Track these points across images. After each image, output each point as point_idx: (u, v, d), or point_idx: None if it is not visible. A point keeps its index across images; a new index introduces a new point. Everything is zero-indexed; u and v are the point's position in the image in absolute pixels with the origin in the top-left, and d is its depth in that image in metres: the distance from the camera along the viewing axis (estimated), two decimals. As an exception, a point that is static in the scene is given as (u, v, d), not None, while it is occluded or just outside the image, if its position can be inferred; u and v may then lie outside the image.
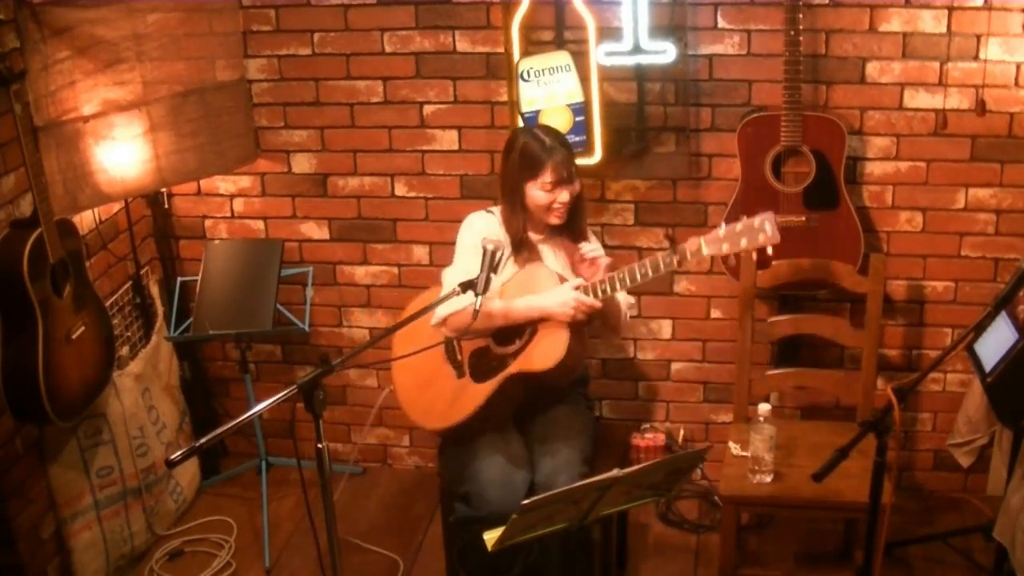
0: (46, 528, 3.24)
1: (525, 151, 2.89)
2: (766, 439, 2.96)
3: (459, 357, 2.95)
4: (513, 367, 2.84)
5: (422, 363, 2.94)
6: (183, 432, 3.83)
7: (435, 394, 2.96)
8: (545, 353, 2.80)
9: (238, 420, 2.17)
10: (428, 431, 3.02)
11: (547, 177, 2.86)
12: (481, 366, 2.91)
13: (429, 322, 2.89)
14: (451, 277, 2.88)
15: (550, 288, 2.83)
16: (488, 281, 2.57)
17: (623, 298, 3.01)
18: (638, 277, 2.79)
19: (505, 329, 2.89)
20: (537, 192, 2.89)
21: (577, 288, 2.81)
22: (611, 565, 3.13)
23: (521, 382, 2.87)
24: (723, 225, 2.73)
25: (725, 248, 2.72)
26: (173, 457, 2.13)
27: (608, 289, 2.81)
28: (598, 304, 2.80)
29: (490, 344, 2.92)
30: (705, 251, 2.73)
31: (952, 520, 3.56)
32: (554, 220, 2.94)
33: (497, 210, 3.02)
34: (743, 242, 2.70)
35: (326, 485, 2.29)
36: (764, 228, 2.67)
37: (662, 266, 2.76)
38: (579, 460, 2.90)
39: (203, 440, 2.14)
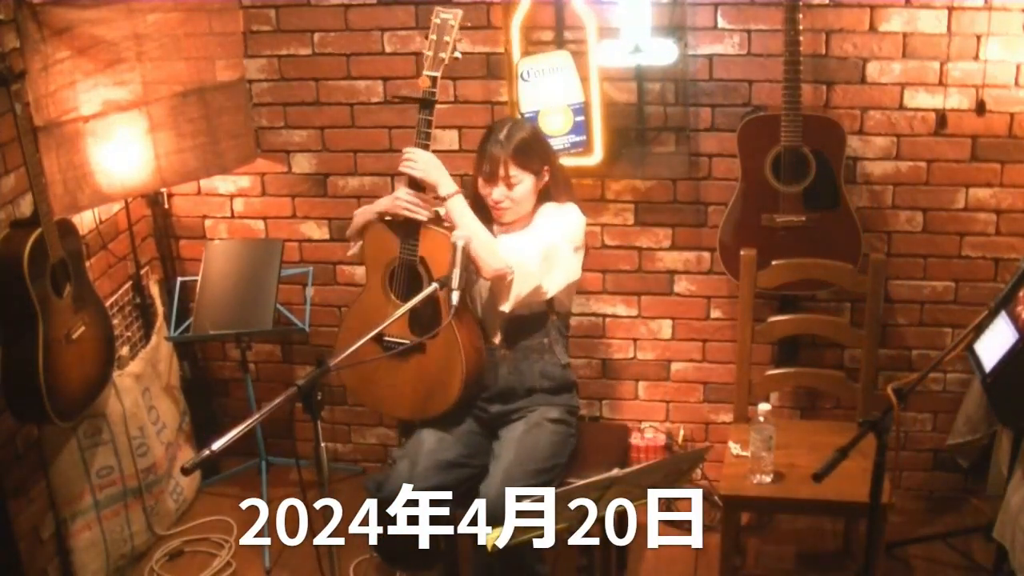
0: (46, 528, 3.24)
1: (483, 136, 2.95)
2: (766, 439, 2.96)
3: (405, 341, 2.89)
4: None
5: (385, 373, 2.95)
6: (183, 432, 3.83)
7: (424, 383, 2.94)
8: (439, 253, 2.82)
9: (247, 423, 2.14)
10: (447, 410, 2.96)
11: (482, 167, 2.90)
12: (425, 322, 2.89)
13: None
14: None
15: None
16: (461, 276, 2.60)
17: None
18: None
19: (404, 283, 2.92)
20: (479, 181, 2.93)
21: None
22: (611, 565, 3.13)
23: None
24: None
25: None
26: (186, 465, 2.09)
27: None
28: (424, 203, 2.86)
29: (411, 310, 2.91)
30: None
31: (952, 520, 3.55)
32: (497, 218, 2.95)
33: None
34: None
35: (325, 485, 2.29)
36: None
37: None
38: (528, 472, 2.81)
39: (216, 446, 2.09)
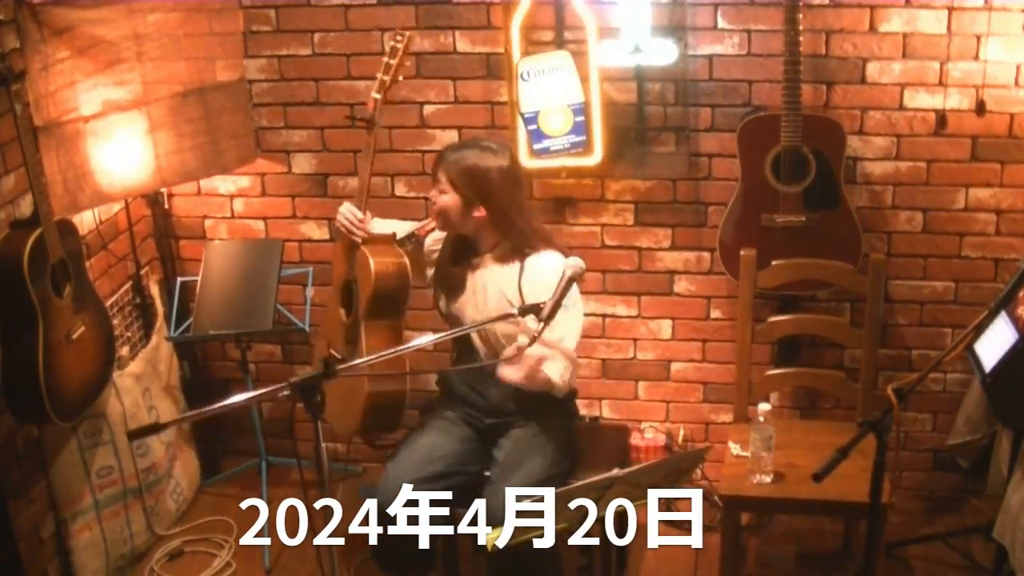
0: (46, 528, 3.24)
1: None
2: (766, 439, 2.96)
3: (337, 359, 2.88)
4: (362, 303, 2.91)
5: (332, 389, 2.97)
6: (183, 432, 3.83)
7: (343, 403, 2.95)
8: (362, 272, 2.92)
9: (208, 409, 2.19)
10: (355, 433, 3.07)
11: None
12: (351, 338, 2.96)
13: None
14: None
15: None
16: (555, 308, 2.48)
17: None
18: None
19: (346, 298, 3.03)
20: None
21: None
22: (611, 565, 3.13)
23: (380, 299, 2.92)
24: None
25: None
26: (132, 430, 2.22)
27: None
28: (361, 227, 2.92)
29: (348, 318, 3.01)
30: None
31: (952, 520, 3.56)
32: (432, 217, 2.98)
33: None
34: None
35: (325, 485, 2.29)
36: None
37: None
38: (532, 481, 2.78)
39: (169, 421, 2.22)
